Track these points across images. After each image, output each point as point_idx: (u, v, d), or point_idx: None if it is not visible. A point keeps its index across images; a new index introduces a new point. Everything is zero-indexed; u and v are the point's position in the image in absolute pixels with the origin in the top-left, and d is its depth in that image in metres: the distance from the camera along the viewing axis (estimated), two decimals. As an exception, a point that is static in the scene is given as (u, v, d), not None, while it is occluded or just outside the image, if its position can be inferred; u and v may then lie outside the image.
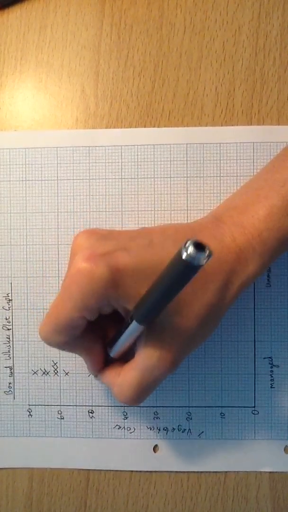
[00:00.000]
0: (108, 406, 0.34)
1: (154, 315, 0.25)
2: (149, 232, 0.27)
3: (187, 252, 0.19)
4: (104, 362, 0.30)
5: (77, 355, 0.34)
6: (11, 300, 0.34)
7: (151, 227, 0.29)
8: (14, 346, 0.34)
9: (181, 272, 0.21)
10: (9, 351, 0.34)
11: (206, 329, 0.27)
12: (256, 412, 0.33)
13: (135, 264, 0.25)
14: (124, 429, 0.34)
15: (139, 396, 0.27)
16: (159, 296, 0.23)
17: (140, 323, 0.25)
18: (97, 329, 0.29)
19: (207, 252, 0.20)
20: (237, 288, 0.27)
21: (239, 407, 0.33)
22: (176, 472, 0.34)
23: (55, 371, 0.34)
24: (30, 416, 0.34)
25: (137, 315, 0.25)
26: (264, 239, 0.27)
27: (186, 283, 0.22)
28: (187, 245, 0.20)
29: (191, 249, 0.19)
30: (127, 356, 0.28)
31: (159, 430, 0.34)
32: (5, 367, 0.34)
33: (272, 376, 0.33)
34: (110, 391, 0.29)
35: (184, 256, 0.20)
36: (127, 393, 0.27)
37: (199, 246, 0.20)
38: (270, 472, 0.33)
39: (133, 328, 0.26)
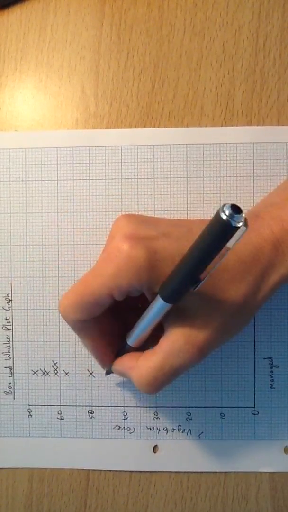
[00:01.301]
0: (108, 406, 0.34)
1: (182, 291, 0.24)
2: (188, 222, 0.28)
3: (225, 212, 0.20)
4: (115, 355, 0.29)
5: (77, 355, 0.34)
6: (11, 300, 0.34)
7: (191, 219, 0.29)
8: (14, 346, 0.34)
9: (218, 233, 0.21)
10: (9, 351, 0.34)
11: (240, 319, 0.27)
12: (256, 412, 0.33)
13: (173, 250, 0.25)
14: (124, 429, 0.34)
15: (159, 381, 0.26)
16: (190, 266, 0.23)
17: (166, 300, 0.24)
18: (113, 318, 0.28)
19: (243, 216, 0.20)
20: (274, 281, 0.26)
21: (239, 407, 0.33)
22: (176, 472, 0.34)
23: (55, 371, 0.34)
24: (30, 416, 0.34)
25: (163, 291, 0.24)
26: None
27: (220, 245, 0.21)
28: (225, 207, 0.20)
29: (229, 210, 0.20)
30: (145, 348, 0.28)
31: (159, 430, 0.34)
32: (5, 367, 0.34)
33: (272, 377, 0.33)
34: (128, 377, 0.28)
35: (222, 215, 0.20)
36: (146, 375, 0.26)
37: (236, 209, 0.20)
38: (270, 472, 0.33)
39: (158, 308, 0.25)
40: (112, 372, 0.31)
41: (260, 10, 0.34)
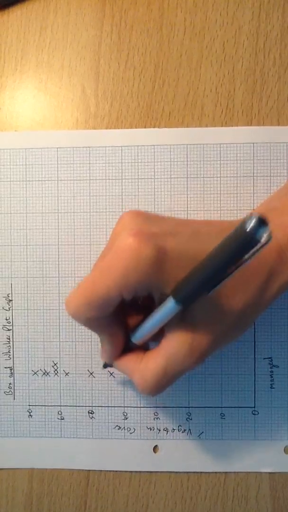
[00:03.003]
0: (108, 406, 0.34)
1: (196, 295, 0.24)
2: (194, 222, 0.27)
3: (250, 223, 0.19)
4: (122, 350, 0.29)
5: (77, 355, 0.34)
6: (11, 300, 0.34)
7: (196, 219, 0.28)
8: (14, 346, 0.34)
9: (240, 244, 0.20)
10: (9, 352, 0.34)
11: (240, 326, 0.27)
12: (256, 412, 0.33)
13: (181, 250, 0.24)
14: (124, 429, 0.34)
15: (162, 385, 0.26)
16: (209, 273, 0.22)
17: (178, 302, 0.24)
18: (120, 315, 0.28)
19: (269, 230, 0.19)
20: (277, 288, 0.26)
21: (239, 407, 0.33)
22: (176, 472, 0.34)
23: (55, 372, 0.34)
24: (30, 416, 0.34)
25: (177, 293, 0.24)
26: None
27: (242, 257, 0.21)
28: (251, 217, 0.19)
29: (254, 221, 0.19)
30: (147, 346, 0.28)
31: (159, 430, 0.34)
32: (5, 367, 0.34)
33: (272, 377, 0.33)
34: (129, 378, 0.28)
35: (247, 227, 0.19)
36: (150, 380, 0.26)
37: (262, 222, 0.19)
38: (270, 472, 0.33)
39: (169, 308, 0.24)
40: (110, 366, 0.30)
41: (260, 10, 0.34)
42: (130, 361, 0.28)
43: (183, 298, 0.24)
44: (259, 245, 0.20)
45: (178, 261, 0.24)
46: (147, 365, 0.26)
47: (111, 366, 0.30)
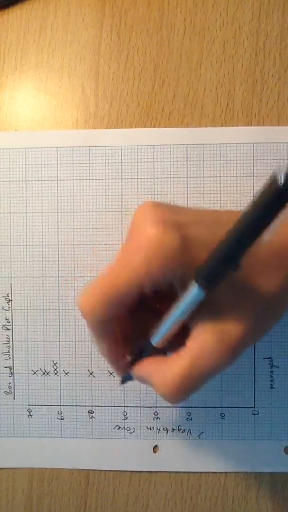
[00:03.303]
0: (108, 406, 0.34)
1: (222, 273, 0.21)
2: (215, 211, 0.26)
3: (281, 176, 0.18)
4: (134, 357, 0.26)
5: (77, 355, 0.34)
6: (11, 300, 0.34)
7: (214, 209, 0.27)
8: (14, 346, 0.34)
9: (273, 200, 0.19)
10: (9, 351, 0.34)
11: (271, 315, 0.25)
12: (256, 412, 0.33)
13: (206, 236, 0.23)
14: (124, 429, 0.34)
15: (186, 390, 0.23)
16: (235, 241, 0.20)
17: (203, 285, 0.21)
18: (131, 320, 0.26)
19: None
20: None
21: (239, 407, 0.33)
22: (176, 472, 0.34)
23: (55, 371, 0.34)
24: (30, 416, 0.34)
25: (200, 277, 0.21)
26: None
27: (272, 213, 0.19)
28: (280, 172, 0.18)
29: (285, 173, 0.18)
30: (170, 349, 0.25)
31: (159, 430, 0.34)
32: (5, 367, 0.34)
33: (272, 377, 0.33)
34: (149, 385, 0.25)
35: (278, 179, 0.18)
36: (171, 384, 0.22)
37: None
38: (270, 472, 0.33)
39: (192, 297, 0.22)
40: (129, 380, 0.28)
41: (260, 10, 0.34)
42: (150, 364, 0.25)
43: (207, 279, 0.21)
44: None
45: (202, 248, 0.22)
46: (169, 368, 0.23)
47: (130, 379, 0.27)
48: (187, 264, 0.22)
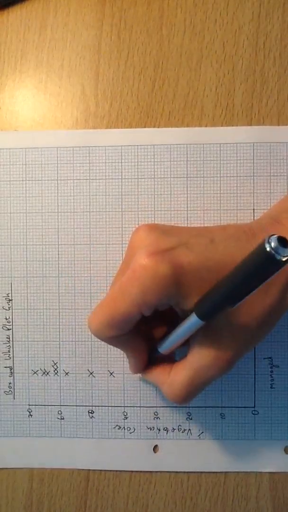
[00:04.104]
0: (108, 406, 0.34)
1: (218, 312, 0.24)
2: (209, 231, 0.27)
3: (270, 245, 0.20)
4: (148, 361, 0.30)
5: (77, 355, 0.34)
6: (11, 300, 0.34)
7: (210, 226, 0.28)
8: (14, 346, 0.34)
9: (261, 266, 0.21)
10: (9, 351, 0.34)
11: (264, 330, 0.27)
12: (256, 412, 0.33)
13: (198, 262, 0.25)
14: (124, 429, 0.34)
15: (190, 395, 0.27)
16: (230, 291, 0.23)
17: (201, 319, 0.24)
18: (144, 328, 0.29)
19: None
20: None
21: (239, 407, 0.33)
22: (176, 472, 0.34)
23: (55, 371, 0.34)
24: (30, 416, 0.34)
25: (200, 311, 0.24)
26: None
27: (263, 278, 0.21)
28: (271, 238, 0.20)
29: (275, 242, 0.20)
30: (174, 355, 0.29)
31: (159, 430, 0.34)
32: (5, 367, 0.34)
33: (272, 376, 0.33)
34: (159, 389, 0.30)
35: (267, 248, 0.20)
36: (178, 391, 0.27)
37: (283, 241, 0.20)
38: (270, 472, 0.33)
39: (192, 323, 0.25)
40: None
41: (260, 10, 0.34)
42: (159, 374, 0.29)
43: (205, 315, 0.24)
44: (279, 265, 0.20)
45: (195, 274, 0.25)
46: (175, 378, 0.27)
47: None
48: (180, 291, 0.25)
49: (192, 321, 0.25)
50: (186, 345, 0.27)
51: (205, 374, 0.26)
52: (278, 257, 0.20)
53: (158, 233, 0.26)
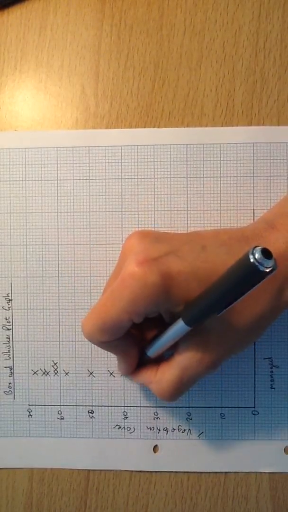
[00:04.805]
0: (108, 406, 0.34)
1: (204, 318, 0.25)
2: (201, 237, 0.27)
3: (254, 256, 0.20)
4: (138, 364, 0.30)
5: (77, 355, 0.34)
6: (11, 300, 0.34)
7: (203, 232, 0.28)
8: (14, 346, 0.34)
9: (245, 276, 0.21)
10: (9, 351, 0.34)
11: (253, 335, 0.28)
12: (256, 412, 0.33)
13: (188, 270, 0.25)
14: (124, 429, 0.34)
15: (178, 393, 0.28)
16: (215, 299, 0.23)
17: (188, 324, 0.25)
18: (135, 331, 0.29)
19: (273, 261, 0.20)
20: None
21: (239, 407, 0.33)
22: (176, 472, 0.34)
23: (55, 371, 0.34)
24: (30, 416, 0.34)
25: (186, 317, 0.25)
26: None
27: (246, 288, 0.22)
28: (255, 250, 0.20)
29: (258, 254, 0.20)
30: (162, 357, 0.29)
31: (159, 430, 0.34)
32: (5, 367, 0.34)
33: (272, 377, 0.33)
34: (148, 389, 0.30)
35: (251, 259, 0.20)
36: (166, 389, 0.27)
37: (266, 253, 0.20)
38: (270, 472, 0.33)
39: (179, 329, 0.26)
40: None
41: (260, 10, 0.34)
42: (146, 374, 0.29)
43: (192, 321, 0.25)
44: (263, 276, 0.21)
45: (185, 283, 0.25)
46: (163, 376, 0.28)
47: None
48: (169, 299, 0.25)
49: (179, 326, 0.26)
50: (172, 350, 0.28)
51: (192, 373, 0.27)
52: (262, 269, 0.20)
53: (149, 241, 0.26)
